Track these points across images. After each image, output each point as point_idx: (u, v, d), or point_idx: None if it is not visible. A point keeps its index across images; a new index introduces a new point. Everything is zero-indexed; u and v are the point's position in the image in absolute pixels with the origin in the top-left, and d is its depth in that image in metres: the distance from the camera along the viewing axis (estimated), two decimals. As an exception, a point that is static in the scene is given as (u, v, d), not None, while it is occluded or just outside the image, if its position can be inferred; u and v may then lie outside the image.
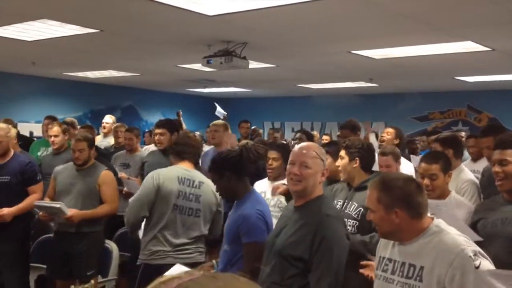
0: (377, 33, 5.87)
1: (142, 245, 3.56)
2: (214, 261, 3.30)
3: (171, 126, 4.93)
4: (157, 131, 4.91)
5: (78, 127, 6.44)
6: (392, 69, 8.38)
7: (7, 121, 6.21)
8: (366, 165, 3.34)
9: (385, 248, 2.21)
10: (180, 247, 3.54)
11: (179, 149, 3.70)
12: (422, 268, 2.00)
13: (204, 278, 0.77)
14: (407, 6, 4.80)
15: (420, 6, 4.78)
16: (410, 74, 9.01)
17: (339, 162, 3.37)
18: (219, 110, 7.75)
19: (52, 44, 6.88)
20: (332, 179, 3.83)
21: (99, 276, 4.29)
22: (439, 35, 5.90)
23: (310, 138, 6.20)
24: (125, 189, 4.99)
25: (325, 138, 8.88)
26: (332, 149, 3.85)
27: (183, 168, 3.64)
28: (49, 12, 5.37)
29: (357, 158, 3.29)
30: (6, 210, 4.21)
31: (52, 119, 6.19)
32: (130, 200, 3.57)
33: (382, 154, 4.24)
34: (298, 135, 6.44)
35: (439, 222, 2.09)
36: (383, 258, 2.20)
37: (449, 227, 2.09)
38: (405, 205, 2.05)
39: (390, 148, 4.40)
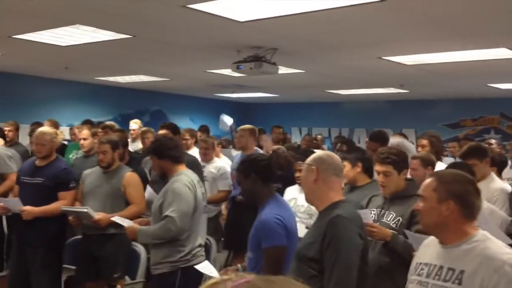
0: (409, 39, 5.80)
1: (179, 252, 3.59)
2: (239, 265, 3.31)
3: (174, 128, 5.19)
4: (160, 132, 5.12)
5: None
6: (424, 76, 8.28)
7: (51, 122, 6.37)
8: None
9: (423, 254, 2.18)
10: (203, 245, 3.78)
11: (177, 154, 3.72)
12: (462, 272, 1.96)
13: (259, 281, 0.77)
14: (440, 12, 4.74)
15: (453, 12, 4.72)
16: (442, 81, 8.88)
17: (384, 178, 3.24)
18: (224, 121, 7.59)
19: (85, 49, 7.00)
20: (352, 186, 3.82)
21: (127, 278, 4.33)
22: (473, 42, 5.81)
23: (350, 145, 5.95)
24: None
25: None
26: (351, 156, 3.83)
27: (190, 172, 3.75)
28: (83, 18, 5.46)
29: (405, 170, 3.25)
30: (29, 208, 4.26)
31: (88, 123, 6.34)
32: (174, 213, 3.52)
33: (413, 158, 4.20)
34: (338, 145, 6.32)
35: (486, 232, 2.06)
36: (419, 263, 2.17)
37: (495, 238, 2.05)
38: (460, 200, 2.03)
39: (422, 153, 4.34)
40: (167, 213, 3.51)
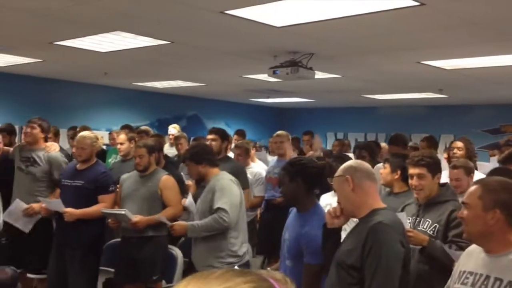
0: (448, 43, 5.69)
1: (233, 244, 3.74)
2: (268, 268, 3.28)
3: (223, 134, 5.24)
4: (209, 136, 5.16)
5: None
6: (463, 80, 8.11)
7: (84, 128, 6.49)
8: None
9: (467, 262, 2.13)
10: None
11: (214, 158, 4.03)
12: (510, 282, 1.90)
13: None
14: (480, 16, 4.64)
15: (493, 16, 4.62)
16: (482, 86, 8.68)
17: (418, 181, 3.20)
18: None
19: (124, 55, 7.13)
20: (390, 192, 3.77)
21: (164, 281, 4.37)
22: (514, 45, 5.66)
23: (372, 153, 5.68)
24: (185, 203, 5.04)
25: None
26: (393, 160, 3.79)
27: (229, 174, 3.96)
28: (123, 25, 5.57)
29: (439, 174, 3.19)
30: (70, 210, 4.33)
31: (127, 128, 6.43)
32: (226, 205, 3.70)
33: (453, 167, 4.11)
34: (356, 152, 5.87)
35: None
36: (463, 272, 2.11)
37: None
38: (507, 209, 1.97)
39: (462, 162, 4.24)
40: (218, 205, 3.66)
